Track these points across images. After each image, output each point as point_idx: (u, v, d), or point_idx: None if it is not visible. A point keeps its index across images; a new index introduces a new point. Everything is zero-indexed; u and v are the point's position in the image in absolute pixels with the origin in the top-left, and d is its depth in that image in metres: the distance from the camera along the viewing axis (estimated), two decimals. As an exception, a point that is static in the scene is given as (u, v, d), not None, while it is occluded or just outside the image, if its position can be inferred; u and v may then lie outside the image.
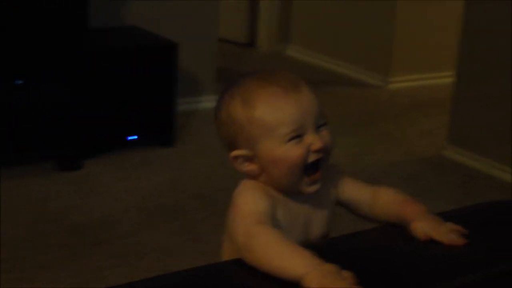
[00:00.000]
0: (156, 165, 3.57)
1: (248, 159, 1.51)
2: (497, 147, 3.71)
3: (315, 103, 1.51)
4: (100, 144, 3.65)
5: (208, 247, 2.77)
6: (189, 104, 4.29)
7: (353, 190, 1.63)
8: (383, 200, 1.61)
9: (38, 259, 2.76)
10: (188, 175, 3.49)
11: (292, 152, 1.48)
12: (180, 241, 2.93)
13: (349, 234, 1.54)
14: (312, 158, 1.49)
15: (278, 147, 1.48)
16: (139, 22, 4.02)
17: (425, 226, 1.49)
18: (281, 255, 1.33)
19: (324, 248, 1.42)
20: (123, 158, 3.61)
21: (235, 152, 1.51)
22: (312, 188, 1.52)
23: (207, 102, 4.39)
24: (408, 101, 4.81)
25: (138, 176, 3.44)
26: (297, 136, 1.48)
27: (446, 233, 1.47)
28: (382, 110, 4.63)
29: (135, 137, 3.72)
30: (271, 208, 1.47)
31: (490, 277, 1.35)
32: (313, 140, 1.48)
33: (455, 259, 1.41)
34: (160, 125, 3.81)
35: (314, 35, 5.49)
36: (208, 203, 3.22)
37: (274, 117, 1.47)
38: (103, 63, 3.61)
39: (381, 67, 5.11)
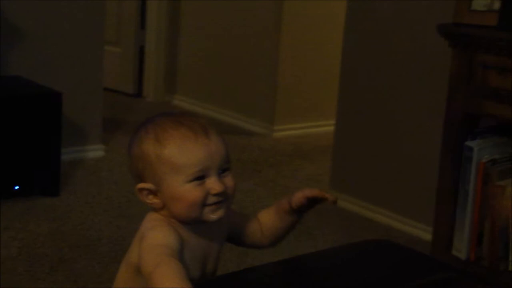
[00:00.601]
0: (39, 215, 3.53)
1: (152, 192, 1.59)
2: (376, 191, 3.83)
3: (222, 149, 1.59)
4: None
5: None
6: (75, 153, 4.27)
7: (243, 221, 1.75)
8: (265, 218, 1.76)
9: None
10: (71, 225, 3.46)
11: (192, 193, 1.55)
12: (64, 290, 2.92)
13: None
14: (211, 200, 1.57)
15: (180, 186, 1.56)
16: (23, 72, 4.00)
17: (305, 191, 1.73)
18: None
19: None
20: (7, 208, 3.56)
21: (141, 185, 1.59)
22: (215, 215, 1.58)
23: (94, 151, 4.39)
24: (292, 149, 4.90)
25: (21, 226, 3.39)
26: (200, 177, 1.55)
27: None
28: (267, 157, 4.70)
29: (17, 187, 3.67)
30: (179, 243, 1.54)
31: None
32: (213, 185, 1.56)
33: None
34: (45, 175, 3.76)
35: (200, 85, 5.56)
36: (90, 252, 3.20)
37: (181, 158, 1.55)
38: (-15, 112, 3.57)
39: (265, 116, 5.20)
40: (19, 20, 4.03)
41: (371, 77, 3.84)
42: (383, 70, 3.78)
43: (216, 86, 5.44)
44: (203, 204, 1.56)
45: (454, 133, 2.85)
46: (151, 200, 1.60)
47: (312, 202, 1.73)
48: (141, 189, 1.59)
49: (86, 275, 3.01)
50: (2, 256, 3.11)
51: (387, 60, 3.76)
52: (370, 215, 3.80)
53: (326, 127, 4.97)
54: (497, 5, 2.78)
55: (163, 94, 5.84)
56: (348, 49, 3.97)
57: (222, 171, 1.59)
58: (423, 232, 3.45)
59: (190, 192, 1.55)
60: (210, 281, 1.54)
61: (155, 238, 1.52)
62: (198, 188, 1.55)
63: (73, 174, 4.09)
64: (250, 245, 1.78)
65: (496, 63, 2.72)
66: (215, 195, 1.56)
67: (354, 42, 3.93)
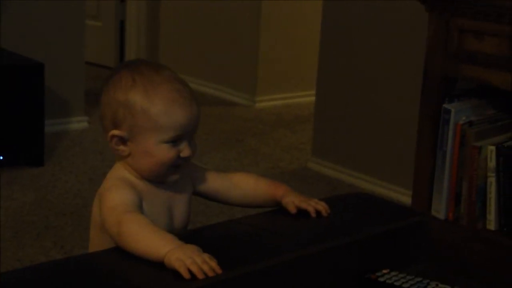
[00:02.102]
0: (25, 185, 3.58)
1: (123, 141, 1.60)
2: (357, 158, 3.89)
3: (198, 116, 1.61)
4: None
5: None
6: (59, 125, 4.31)
7: (210, 181, 1.74)
8: (245, 186, 1.76)
9: None
10: (57, 193, 3.51)
11: (164, 152, 1.59)
12: (52, 256, 2.95)
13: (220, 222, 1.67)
14: (178, 162, 1.61)
15: (155, 144, 1.59)
16: (6, 44, 4.02)
17: (295, 200, 1.68)
18: (146, 238, 1.43)
19: (189, 236, 1.52)
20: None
21: (114, 131, 1.59)
22: (173, 178, 1.63)
23: (77, 123, 4.43)
24: (274, 119, 4.95)
25: (7, 194, 3.43)
26: (175, 140, 1.59)
27: (313, 205, 1.67)
28: (250, 127, 4.75)
29: (1, 157, 3.69)
30: (138, 199, 1.57)
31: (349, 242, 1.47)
32: (185, 149, 1.59)
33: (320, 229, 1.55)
34: (29, 145, 3.80)
35: (182, 57, 5.58)
36: (76, 219, 3.26)
37: (165, 119, 1.57)
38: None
39: (247, 87, 5.23)
40: (0, -8, 4.05)
41: (350, 45, 3.89)
42: (362, 38, 3.82)
43: (198, 58, 5.47)
44: (171, 165, 1.60)
45: (432, 97, 2.85)
46: (119, 147, 1.61)
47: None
48: (113, 136, 1.60)
49: (72, 241, 3.07)
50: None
51: (365, 27, 3.80)
52: (352, 181, 3.87)
53: (307, 97, 5.02)
54: None
55: (145, 67, 5.85)
56: (328, 19, 4.01)
57: (192, 137, 1.63)
58: (404, 196, 3.50)
59: (163, 152, 1.58)
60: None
61: (113, 200, 1.54)
62: (172, 149, 1.59)
63: (57, 145, 4.13)
64: (221, 202, 1.79)
65: (472, 26, 2.72)
66: (183, 158, 1.60)
67: (333, 11, 3.97)
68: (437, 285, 1.34)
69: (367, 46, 3.80)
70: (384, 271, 1.40)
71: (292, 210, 1.67)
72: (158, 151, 1.59)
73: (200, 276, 1.34)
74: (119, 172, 1.63)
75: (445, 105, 2.81)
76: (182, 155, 1.60)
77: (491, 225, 2.73)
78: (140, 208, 1.56)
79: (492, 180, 2.72)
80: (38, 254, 2.94)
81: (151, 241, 1.43)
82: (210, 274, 1.34)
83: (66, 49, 4.33)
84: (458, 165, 2.80)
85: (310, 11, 5.06)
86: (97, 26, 5.86)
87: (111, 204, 1.54)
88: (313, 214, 1.64)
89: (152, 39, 5.86)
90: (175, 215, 1.68)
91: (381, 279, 1.37)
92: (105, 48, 5.93)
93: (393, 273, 1.40)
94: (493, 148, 2.72)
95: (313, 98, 4.26)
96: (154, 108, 1.57)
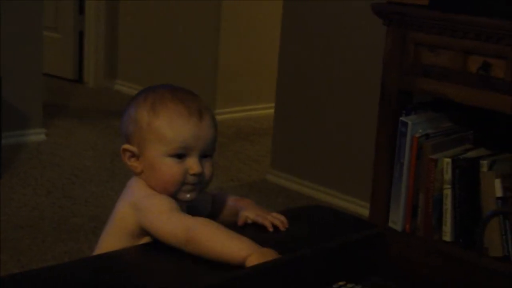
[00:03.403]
0: (-18, 198, 3.56)
1: (135, 156, 1.62)
2: (315, 170, 3.90)
3: (210, 135, 1.61)
4: None
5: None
6: (17, 137, 4.28)
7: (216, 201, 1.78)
8: (219, 203, 1.77)
9: None
10: (14, 206, 3.48)
11: (170, 167, 1.59)
12: (9, 269, 2.92)
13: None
14: (189, 180, 1.60)
15: (160, 157, 1.59)
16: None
17: (250, 214, 1.68)
18: (223, 242, 1.47)
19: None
20: None
21: (126, 146, 1.63)
22: (186, 197, 1.62)
23: (35, 135, 4.41)
24: (233, 131, 4.96)
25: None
26: (181, 155, 1.59)
27: (270, 219, 1.66)
28: (209, 140, 4.73)
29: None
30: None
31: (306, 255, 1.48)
32: (193, 165, 1.58)
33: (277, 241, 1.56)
34: (-14, 158, 3.78)
35: (141, 70, 5.57)
36: (33, 232, 3.23)
37: (168, 130, 1.58)
38: None
39: (207, 99, 5.21)
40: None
41: (309, 59, 3.91)
42: (320, 52, 3.85)
43: (157, 72, 5.46)
44: (182, 183, 1.59)
45: (389, 110, 2.87)
46: (132, 163, 1.63)
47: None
48: (125, 150, 1.63)
49: (29, 254, 3.04)
50: None
51: (323, 41, 3.82)
52: (311, 193, 3.88)
53: (265, 110, 5.04)
54: None
55: (103, 79, 5.84)
56: (286, 33, 4.03)
57: (204, 156, 1.61)
58: (362, 208, 3.52)
59: (168, 166, 1.59)
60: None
61: (160, 205, 1.56)
62: (177, 165, 1.58)
63: (15, 157, 4.10)
64: None
65: (427, 41, 2.75)
66: (193, 175, 1.59)
67: (291, 26, 3.99)
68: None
69: (326, 60, 3.82)
70: (341, 283, 1.41)
71: (239, 222, 1.67)
72: (162, 165, 1.59)
73: None
74: (141, 185, 1.63)
75: (402, 118, 2.84)
76: (190, 171, 1.59)
77: (447, 236, 2.76)
78: None
79: (448, 192, 2.75)
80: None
81: (230, 244, 1.46)
82: None
83: (24, 60, 4.30)
84: (415, 177, 2.83)
85: (269, 26, 5.08)
86: (55, 37, 5.83)
87: (160, 209, 1.56)
88: (270, 228, 1.65)
89: (111, 50, 5.84)
90: None
91: (338, 291, 1.38)
92: (63, 60, 5.90)
93: (349, 286, 1.40)
94: (449, 160, 2.75)
95: (272, 111, 4.27)
96: (157, 120, 1.59)
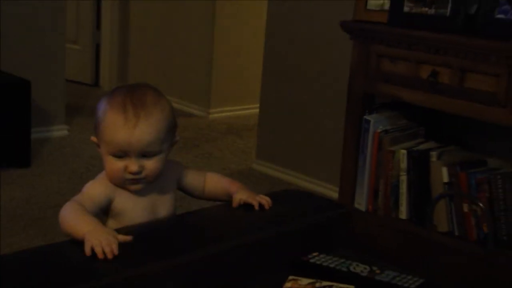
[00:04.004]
0: (14, 182, 3.53)
1: (98, 146, 1.59)
2: (294, 160, 3.91)
3: (145, 138, 1.52)
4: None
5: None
6: (43, 133, 4.27)
7: (188, 179, 1.71)
8: (212, 183, 1.73)
9: None
10: (41, 190, 3.47)
11: (111, 164, 1.55)
12: (36, 243, 2.91)
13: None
14: (128, 176, 1.55)
15: (106, 153, 1.56)
16: (2, 66, 3.99)
17: (243, 196, 1.65)
18: (73, 220, 1.45)
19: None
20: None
21: (93, 138, 1.59)
22: (133, 188, 1.58)
23: (59, 131, 4.40)
24: (225, 127, 4.95)
25: (-1, 192, 3.40)
26: (120, 156, 1.53)
27: (258, 199, 1.65)
28: (204, 135, 4.74)
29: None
30: (104, 197, 1.55)
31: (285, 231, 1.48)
32: (129, 164, 1.53)
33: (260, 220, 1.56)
34: (18, 150, 3.76)
35: (148, 76, 5.55)
36: (57, 211, 3.19)
37: (107, 134, 1.53)
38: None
39: (203, 101, 5.23)
40: (-7, 20, 4.01)
41: (289, 66, 3.91)
42: (299, 60, 3.84)
43: (162, 76, 5.44)
44: (123, 177, 1.55)
45: (355, 109, 2.88)
46: (98, 150, 1.59)
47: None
48: (93, 141, 1.60)
49: (54, 231, 3.04)
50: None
51: (301, 51, 3.83)
52: (290, 179, 3.88)
53: (252, 109, 5.02)
54: (387, 6, 2.81)
55: (116, 83, 5.82)
56: (270, 46, 4.03)
57: (144, 155, 1.54)
58: (332, 192, 3.52)
59: (110, 162, 1.54)
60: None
61: (85, 189, 1.56)
62: (117, 162, 1.53)
63: (41, 149, 4.09)
64: (196, 197, 1.75)
65: (387, 52, 2.76)
66: (131, 173, 1.53)
67: (275, 39, 3.99)
68: (357, 265, 1.36)
69: (304, 68, 3.82)
70: (314, 254, 1.42)
71: (234, 204, 1.65)
72: (107, 161, 1.56)
73: (99, 255, 1.33)
74: (104, 171, 1.60)
75: (366, 117, 2.85)
76: (128, 170, 1.53)
77: (403, 215, 2.77)
78: (101, 204, 1.54)
79: (403, 178, 2.76)
80: (23, 241, 2.91)
81: (76, 223, 1.43)
82: (109, 256, 1.34)
83: (50, 68, 4.29)
84: (376, 166, 2.84)
85: (259, 34, 5.07)
86: (76, 49, 5.81)
87: (83, 191, 1.55)
88: (256, 207, 1.64)
89: (123, 60, 5.83)
90: (159, 211, 1.63)
91: (312, 261, 1.38)
92: (83, 67, 5.88)
93: (321, 256, 1.41)
94: (404, 152, 2.76)
95: (257, 111, 4.26)
96: (102, 123, 1.55)
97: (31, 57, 4.19)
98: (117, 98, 1.55)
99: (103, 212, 1.58)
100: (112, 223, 1.57)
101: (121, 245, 1.35)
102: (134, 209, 1.58)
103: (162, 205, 1.64)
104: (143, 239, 1.42)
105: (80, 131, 4.47)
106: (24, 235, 2.98)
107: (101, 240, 1.35)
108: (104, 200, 1.56)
